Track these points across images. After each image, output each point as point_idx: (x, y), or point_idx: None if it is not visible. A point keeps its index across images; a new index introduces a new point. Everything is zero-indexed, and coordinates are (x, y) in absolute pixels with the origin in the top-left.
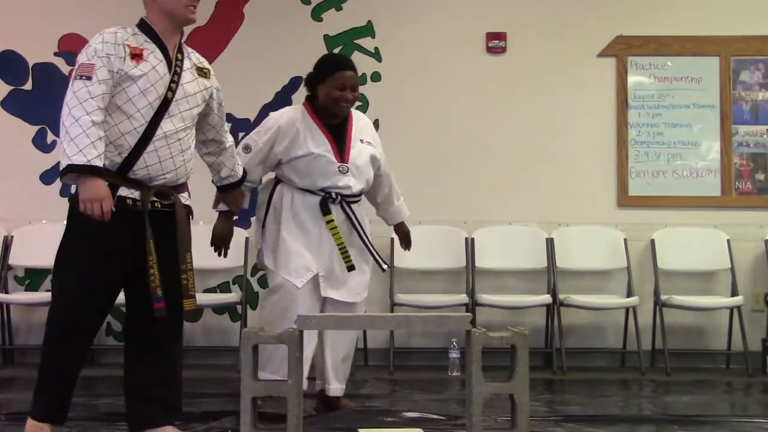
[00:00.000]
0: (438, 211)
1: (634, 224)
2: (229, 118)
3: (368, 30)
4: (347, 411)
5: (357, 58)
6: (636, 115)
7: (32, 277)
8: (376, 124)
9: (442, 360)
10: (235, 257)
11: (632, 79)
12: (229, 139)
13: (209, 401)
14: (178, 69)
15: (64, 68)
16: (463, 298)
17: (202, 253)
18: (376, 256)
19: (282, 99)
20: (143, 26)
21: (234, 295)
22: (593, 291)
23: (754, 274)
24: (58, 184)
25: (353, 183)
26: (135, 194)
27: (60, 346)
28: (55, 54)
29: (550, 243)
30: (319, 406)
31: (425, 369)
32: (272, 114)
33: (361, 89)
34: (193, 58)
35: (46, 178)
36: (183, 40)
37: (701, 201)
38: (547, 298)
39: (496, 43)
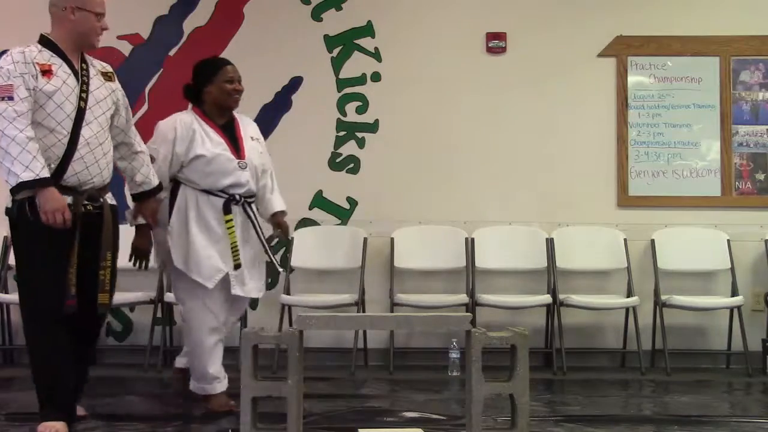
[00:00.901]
0: (438, 211)
1: (634, 224)
2: None
3: (368, 30)
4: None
5: (357, 58)
6: (636, 115)
7: None
8: (376, 124)
9: (442, 360)
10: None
11: (632, 79)
12: (141, 146)
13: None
14: (85, 78)
15: None
16: (463, 298)
17: None
18: (272, 257)
19: (282, 99)
20: (46, 42)
21: None
22: (593, 291)
23: (754, 274)
24: None
25: (251, 178)
26: (68, 200)
27: (43, 341)
28: None
29: (550, 243)
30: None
31: (425, 369)
32: (162, 122)
33: (361, 89)
34: (96, 64)
35: None
36: (183, 41)
37: (701, 201)
38: (547, 298)
39: (496, 43)
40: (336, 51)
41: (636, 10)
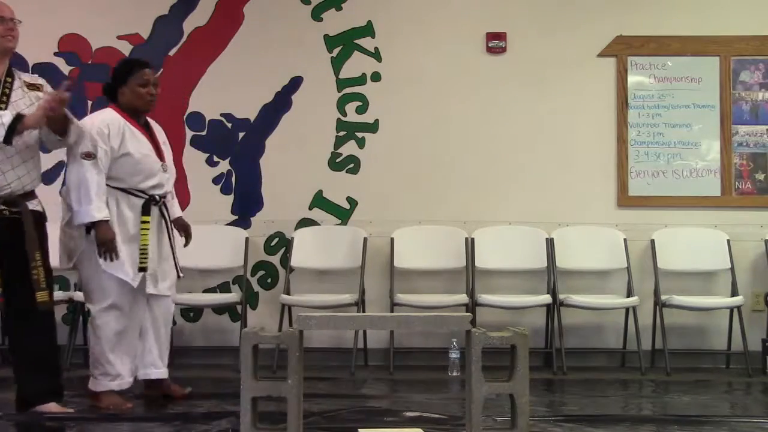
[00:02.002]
0: (438, 211)
1: (634, 224)
2: (229, 118)
3: (368, 30)
4: (179, 395)
5: (357, 58)
6: (636, 115)
7: None
8: (376, 124)
9: (442, 360)
10: (235, 257)
11: (632, 79)
12: None
13: (209, 401)
14: (6, 90)
15: (64, 68)
16: (463, 298)
17: (203, 254)
18: (177, 261)
19: (282, 99)
20: None
21: (234, 295)
22: (593, 291)
23: (754, 274)
24: (57, 183)
25: (169, 181)
26: None
27: None
28: (55, 54)
29: (550, 243)
30: (149, 393)
31: (425, 369)
32: (89, 120)
33: (361, 89)
34: (23, 77)
35: (45, 177)
36: (183, 41)
37: (701, 201)
38: (547, 298)
39: (496, 43)
40: (336, 51)
41: (636, 10)
